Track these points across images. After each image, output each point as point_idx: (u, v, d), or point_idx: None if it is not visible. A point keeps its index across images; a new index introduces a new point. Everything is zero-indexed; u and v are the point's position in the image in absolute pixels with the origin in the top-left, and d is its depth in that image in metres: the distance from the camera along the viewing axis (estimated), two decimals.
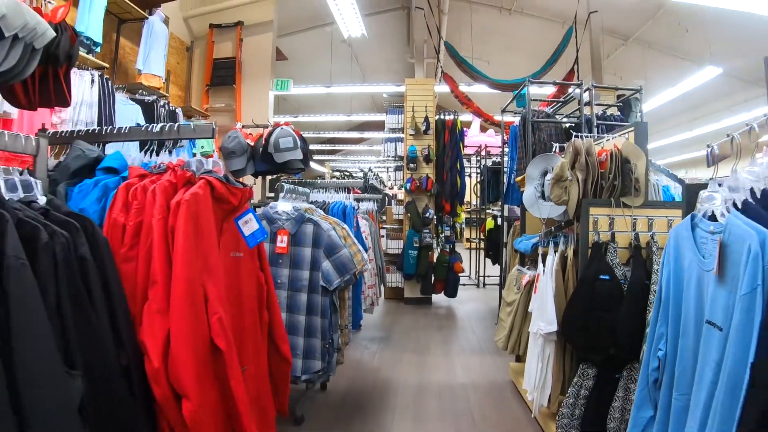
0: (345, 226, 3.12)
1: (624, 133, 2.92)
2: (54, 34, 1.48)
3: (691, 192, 1.51)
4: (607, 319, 2.39)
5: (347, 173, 11.70)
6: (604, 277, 2.44)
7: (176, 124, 1.69)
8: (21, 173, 1.26)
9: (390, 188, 10.25)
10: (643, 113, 6.28)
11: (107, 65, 4.86)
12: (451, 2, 8.19)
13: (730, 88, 11.20)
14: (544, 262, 2.93)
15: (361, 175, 10.27)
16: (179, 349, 1.19)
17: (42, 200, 1.22)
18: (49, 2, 2.04)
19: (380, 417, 3.27)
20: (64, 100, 1.68)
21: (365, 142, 16.73)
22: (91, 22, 4.53)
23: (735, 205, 1.27)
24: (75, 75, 4.15)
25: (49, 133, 1.72)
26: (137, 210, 1.31)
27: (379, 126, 13.33)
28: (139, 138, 1.73)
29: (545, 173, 3.05)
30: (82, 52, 4.39)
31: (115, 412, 1.04)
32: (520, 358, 3.68)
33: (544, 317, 2.69)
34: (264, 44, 7.10)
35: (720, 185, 1.33)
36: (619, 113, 5.44)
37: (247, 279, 1.56)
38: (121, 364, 1.13)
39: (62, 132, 1.83)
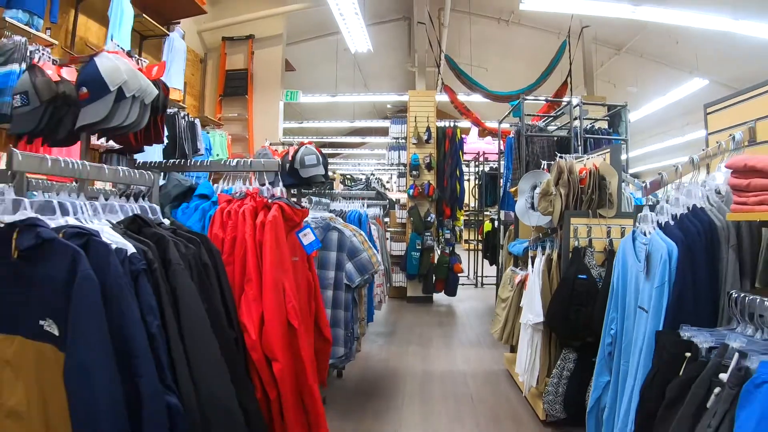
0: (362, 232, 3.65)
1: (602, 153, 3.45)
2: (157, 91, 1.98)
3: (638, 210, 2.03)
4: (584, 312, 2.92)
5: (350, 177, 12.18)
6: (582, 277, 2.97)
7: (249, 161, 2.21)
8: (137, 198, 1.76)
9: (389, 190, 10.79)
10: (630, 123, 6.84)
11: None
12: (451, 14, 8.70)
13: (719, 95, 11.73)
14: (533, 263, 3.46)
15: (362, 178, 10.81)
16: (270, 326, 1.69)
17: (166, 222, 1.72)
18: (143, 60, 2.51)
19: (392, 399, 3.80)
20: (159, 139, 2.18)
21: (364, 146, 17.28)
22: (120, 40, 5.01)
23: (659, 224, 1.80)
24: None
25: (152, 164, 2.24)
26: (232, 227, 1.81)
27: (378, 131, 13.90)
28: (218, 170, 2.22)
29: (534, 187, 3.59)
30: None
31: (235, 367, 1.55)
32: (514, 349, 4.21)
33: (533, 310, 3.23)
34: (274, 56, 7.61)
35: (651, 210, 1.86)
36: (606, 127, 5.96)
37: (302, 278, 2.07)
38: (233, 336, 1.64)
39: (154, 162, 2.32)
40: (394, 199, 8.65)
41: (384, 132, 13.90)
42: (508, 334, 4.00)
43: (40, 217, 1.19)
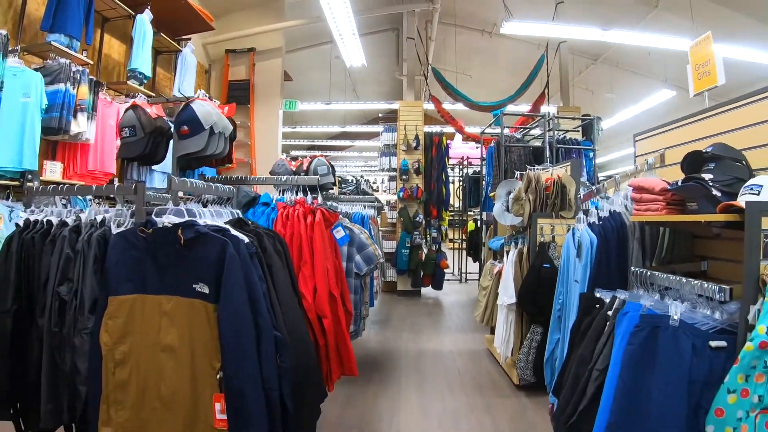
0: (366, 230, 4.42)
1: (564, 166, 4.27)
2: (232, 127, 2.72)
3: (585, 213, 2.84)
4: (548, 294, 3.71)
5: (340, 179, 12.90)
6: (546, 266, 3.76)
7: (296, 177, 2.98)
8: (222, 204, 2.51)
9: (377, 190, 11.57)
10: (603, 131, 7.70)
11: (153, 94, 6.04)
12: (437, 26, 9.46)
13: (686, 105, 12.69)
14: (508, 256, 4.26)
15: (351, 179, 11.58)
16: (321, 294, 2.44)
17: (250, 223, 2.47)
18: (215, 101, 3.21)
19: (392, 372, 4.57)
20: (230, 161, 2.91)
21: (351, 149, 18.03)
22: (143, 60, 5.67)
23: (589, 223, 2.61)
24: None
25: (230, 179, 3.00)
26: (290, 226, 2.55)
27: (365, 135, 14.69)
28: (273, 183, 2.98)
29: (509, 193, 4.39)
30: (134, 84, 5.58)
31: (300, 323, 2.30)
32: (493, 331, 4.99)
33: (507, 293, 4.03)
34: (274, 68, 8.34)
35: (585, 214, 2.67)
36: (575, 139, 6.79)
37: (336, 263, 2.83)
38: (299, 299, 2.39)
39: (231, 177, 3.05)
40: (384, 201, 9.44)
41: (370, 136, 14.73)
42: (488, 317, 4.81)
43: (194, 219, 1.95)
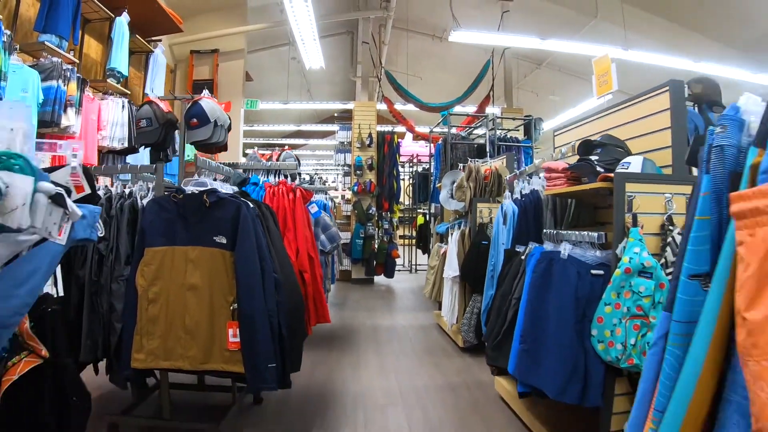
0: (329, 215, 5.07)
1: (500, 159, 5.04)
2: (230, 120, 3.32)
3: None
4: (485, 267, 4.47)
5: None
6: (484, 242, 4.49)
7: (278, 163, 3.60)
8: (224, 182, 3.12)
9: (336, 189, 12.19)
10: (544, 130, 8.56)
11: (129, 92, 6.51)
12: (391, 30, 10.17)
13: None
14: (452, 236, 5.00)
15: (306, 177, 12.15)
16: (302, 254, 3.09)
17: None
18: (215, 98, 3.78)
19: (351, 342, 5.23)
20: (226, 148, 3.49)
21: (305, 147, 18.60)
22: (120, 59, 6.14)
23: (513, 199, 3.36)
24: (112, 101, 5.82)
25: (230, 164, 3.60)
26: (276, 200, 3.19)
27: (319, 134, 15.29)
28: (260, 167, 3.59)
29: (453, 182, 5.13)
30: (113, 82, 6.04)
31: (291, 270, 2.93)
32: (440, 306, 5.73)
33: (452, 267, 4.76)
34: (236, 69, 8.87)
35: (510, 195, 3.43)
36: (516, 137, 7.62)
37: (310, 231, 3.49)
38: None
39: (230, 163, 3.65)
40: (340, 195, 10.10)
41: (323, 135, 15.35)
42: (436, 292, 5.54)
43: (216, 187, 2.58)
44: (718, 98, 3.78)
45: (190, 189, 2.56)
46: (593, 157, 2.68)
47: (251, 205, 2.61)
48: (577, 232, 2.50)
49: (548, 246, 2.69)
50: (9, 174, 1.33)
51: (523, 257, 2.70)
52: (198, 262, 2.54)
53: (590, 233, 2.44)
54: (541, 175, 3.32)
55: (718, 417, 1.17)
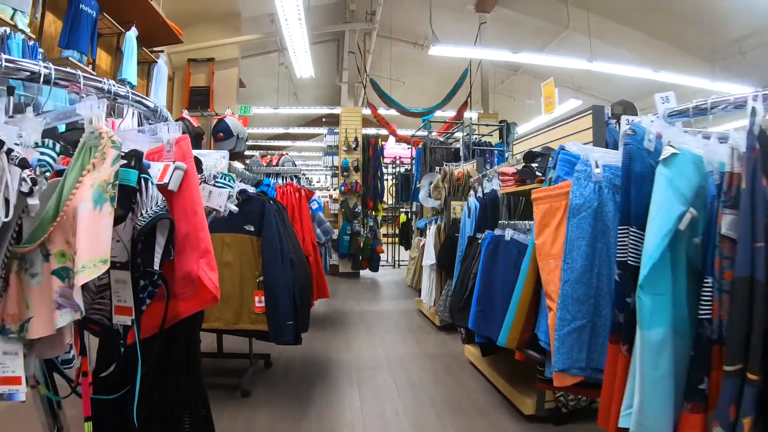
0: (321, 211, 5.93)
1: (472, 162, 5.93)
2: (247, 133, 4.16)
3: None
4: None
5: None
6: (456, 235, 5.35)
7: (285, 168, 4.45)
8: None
9: (322, 189, 13.04)
10: (518, 134, 9.45)
11: None
12: (375, 38, 11.04)
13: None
14: (429, 230, 5.89)
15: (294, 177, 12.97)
16: (308, 241, 3.92)
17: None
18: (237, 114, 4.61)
19: (342, 323, 6.08)
20: (243, 155, 4.33)
21: (290, 149, 19.36)
22: (130, 71, 6.91)
23: (476, 197, 4.24)
24: (126, 109, 6.60)
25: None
26: (286, 198, 4.03)
27: (305, 136, 16.10)
28: (271, 171, 4.41)
29: (431, 183, 6.01)
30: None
31: (302, 253, 3.77)
32: (420, 293, 6.61)
33: (429, 257, 5.64)
34: (231, 77, 9.64)
35: (474, 191, 4.30)
36: (489, 142, 8.53)
37: (311, 225, 4.34)
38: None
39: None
40: (329, 195, 10.98)
41: (309, 137, 16.17)
42: (416, 280, 6.43)
43: (244, 187, 3.42)
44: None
45: None
46: (534, 164, 3.56)
47: (271, 202, 3.46)
48: (521, 222, 3.39)
49: (498, 232, 3.58)
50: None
51: (479, 241, 3.58)
52: (232, 245, 3.37)
53: (528, 222, 3.33)
54: (498, 177, 4.21)
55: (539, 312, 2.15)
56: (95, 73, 6.21)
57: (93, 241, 1.01)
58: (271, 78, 12.56)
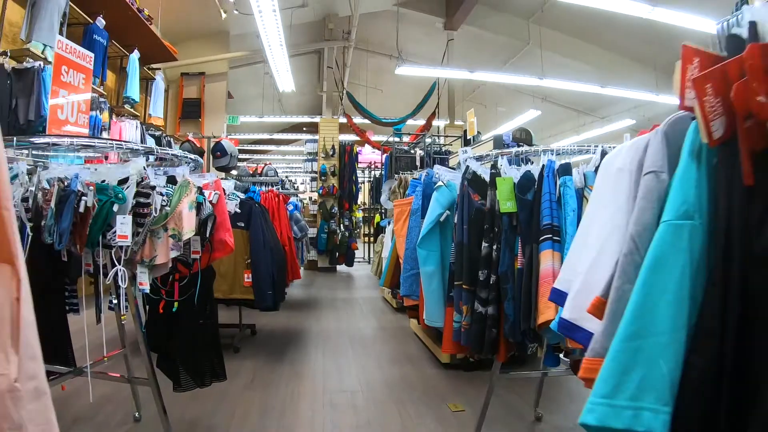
0: (299, 213, 7.31)
1: (425, 171, 7.33)
2: (238, 152, 5.50)
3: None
4: None
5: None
6: None
7: (269, 177, 5.80)
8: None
9: (298, 190, 14.42)
10: (482, 142, 10.80)
11: (140, 114, 8.62)
12: (353, 51, 12.30)
13: (569, 115, 16.42)
14: (389, 227, 7.28)
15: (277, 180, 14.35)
16: (284, 234, 5.26)
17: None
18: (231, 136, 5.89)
19: (317, 308, 7.43)
20: (235, 170, 5.67)
21: (273, 152, 20.70)
22: (134, 89, 8.24)
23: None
24: (128, 123, 7.92)
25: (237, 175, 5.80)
26: (267, 201, 5.38)
27: (287, 141, 17.47)
28: (260, 181, 5.71)
29: (390, 188, 7.40)
30: (128, 108, 8.15)
31: (279, 244, 5.13)
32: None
33: (386, 249, 7.03)
34: (220, 89, 10.98)
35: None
36: (449, 150, 9.93)
37: (287, 222, 5.70)
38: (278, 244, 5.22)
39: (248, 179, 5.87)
40: (308, 197, 12.38)
41: (290, 141, 17.54)
42: (380, 270, 7.83)
43: (237, 194, 4.81)
44: (531, 141, 6.05)
45: None
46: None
47: (257, 205, 4.84)
48: None
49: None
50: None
51: None
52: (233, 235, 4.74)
53: None
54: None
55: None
56: (105, 93, 7.55)
57: (189, 224, 2.40)
58: (257, 86, 13.83)
